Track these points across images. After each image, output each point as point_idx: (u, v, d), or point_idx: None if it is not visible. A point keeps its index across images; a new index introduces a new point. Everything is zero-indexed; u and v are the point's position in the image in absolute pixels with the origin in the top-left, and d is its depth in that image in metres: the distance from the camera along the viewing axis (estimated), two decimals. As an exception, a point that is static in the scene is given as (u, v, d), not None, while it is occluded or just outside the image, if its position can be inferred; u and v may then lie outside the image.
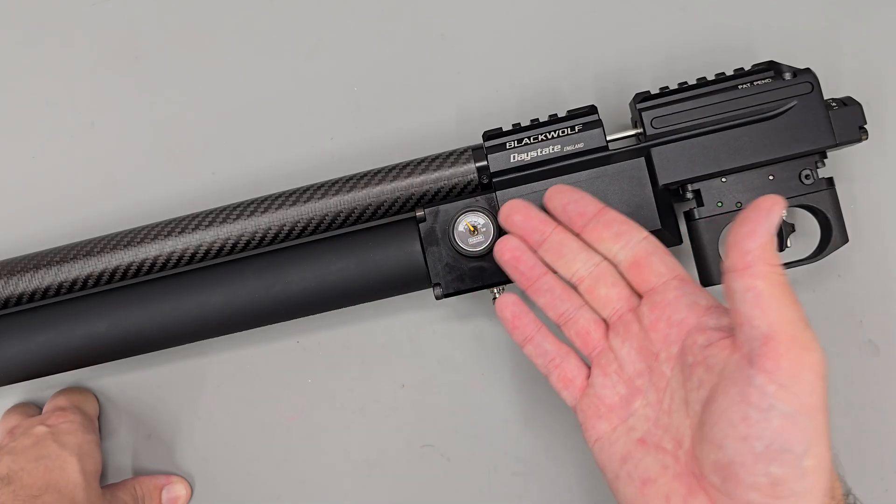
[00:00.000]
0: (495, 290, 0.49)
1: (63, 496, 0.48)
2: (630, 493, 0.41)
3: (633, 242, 0.43)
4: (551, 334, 0.46)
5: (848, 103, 0.48)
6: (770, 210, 0.36)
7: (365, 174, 0.50)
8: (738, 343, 0.37)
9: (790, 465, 0.35)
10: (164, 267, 0.51)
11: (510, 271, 0.46)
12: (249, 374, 0.56)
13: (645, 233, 0.44)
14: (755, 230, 0.36)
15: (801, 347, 0.35)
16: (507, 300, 0.47)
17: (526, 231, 0.46)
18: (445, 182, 0.50)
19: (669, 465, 0.40)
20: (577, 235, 0.45)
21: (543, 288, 0.46)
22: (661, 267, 0.43)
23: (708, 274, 0.49)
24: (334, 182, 0.50)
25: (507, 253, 0.46)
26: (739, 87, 0.47)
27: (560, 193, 0.46)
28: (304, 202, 0.50)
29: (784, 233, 0.49)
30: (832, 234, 0.48)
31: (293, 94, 0.57)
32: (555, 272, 0.46)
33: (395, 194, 0.50)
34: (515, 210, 0.46)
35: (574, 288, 0.45)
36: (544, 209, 0.46)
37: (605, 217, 0.44)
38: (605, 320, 0.45)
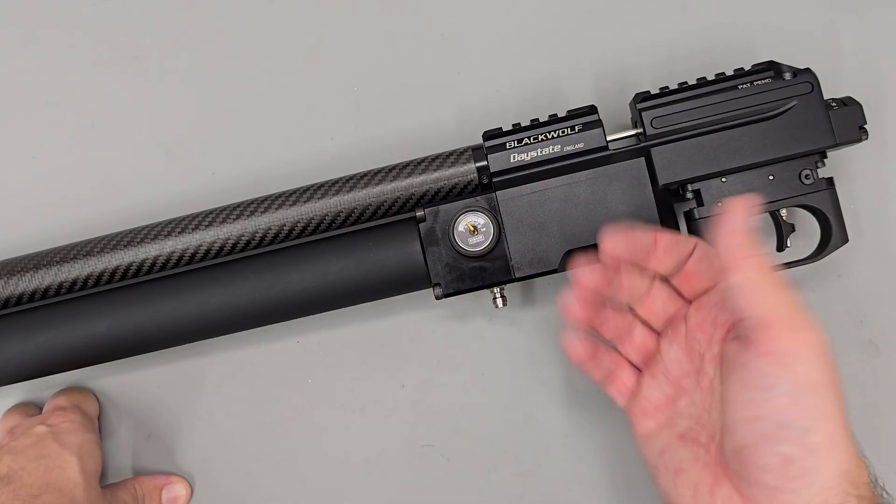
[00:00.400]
0: (495, 290, 0.49)
1: (63, 495, 0.48)
2: (665, 484, 0.43)
3: (684, 254, 0.44)
4: (609, 351, 0.47)
5: (848, 103, 0.48)
6: (745, 206, 0.39)
7: (365, 174, 0.50)
8: (741, 335, 0.39)
9: (797, 441, 0.36)
10: (164, 267, 0.51)
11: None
12: (249, 374, 0.56)
13: (694, 241, 0.44)
14: (735, 229, 0.39)
15: (796, 328, 0.37)
16: (575, 347, 0.46)
17: (590, 300, 0.45)
18: (445, 182, 0.50)
19: (701, 456, 0.42)
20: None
21: (603, 325, 0.46)
22: (710, 272, 0.44)
23: (708, 274, 0.49)
24: (334, 182, 0.50)
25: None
26: (739, 87, 0.47)
27: (612, 244, 0.43)
28: (304, 202, 0.50)
29: (784, 233, 0.49)
30: (832, 234, 0.48)
31: (293, 94, 0.57)
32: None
33: (395, 194, 0.50)
34: (577, 287, 0.44)
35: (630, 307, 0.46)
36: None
37: (661, 245, 0.44)
38: (656, 331, 0.46)
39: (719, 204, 0.48)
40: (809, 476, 0.37)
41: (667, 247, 0.44)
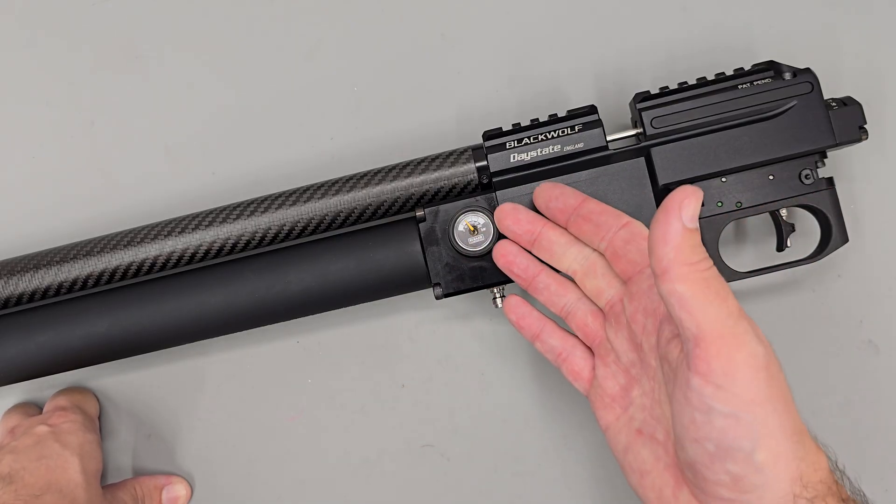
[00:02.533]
0: (495, 290, 0.49)
1: (64, 496, 0.48)
2: (634, 483, 0.43)
3: (611, 233, 0.44)
4: (558, 329, 0.47)
5: (848, 103, 0.48)
6: (681, 205, 0.35)
7: (365, 174, 0.50)
8: (681, 344, 0.38)
9: (743, 461, 0.36)
10: (164, 267, 0.51)
11: (508, 274, 0.48)
12: (249, 374, 0.56)
13: (624, 220, 0.44)
14: (666, 233, 0.35)
15: (730, 345, 0.35)
16: (510, 303, 0.48)
17: (517, 234, 0.47)
18: (445, 182, 0.50)
19: (661, 456, 0.41)
20: (567, 230, 0.46)
21: (540, 286, 0.47)
22: (637, 255, 0.43)
23: (708, 274, 0.49)
24: (334, 182, 0.50)
25: (501, 258, 0.47)
26: (739, 87, 0.47)
27: (544, 191, 0.47)
28: (304, 202, 0.50)
29: (784, 233, 0.49)
30: (832, 234, 0.48)
31: (293, 94, 0.57)
32: (554, 268, 0.47)
33: (395, 194, 0.50)
34: (505, 214, 0.47)
35: (573, 281, 0.47)
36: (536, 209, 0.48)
37: (584, 210, 0.45)
38: (602, 311, 0.46)
39: (720, 204, 0.48)
40: (760, 490, 0.36)
41: (587, 213, 0.45)
